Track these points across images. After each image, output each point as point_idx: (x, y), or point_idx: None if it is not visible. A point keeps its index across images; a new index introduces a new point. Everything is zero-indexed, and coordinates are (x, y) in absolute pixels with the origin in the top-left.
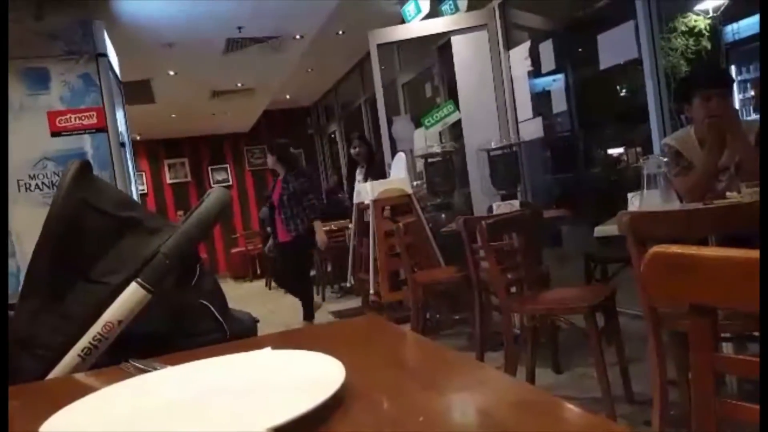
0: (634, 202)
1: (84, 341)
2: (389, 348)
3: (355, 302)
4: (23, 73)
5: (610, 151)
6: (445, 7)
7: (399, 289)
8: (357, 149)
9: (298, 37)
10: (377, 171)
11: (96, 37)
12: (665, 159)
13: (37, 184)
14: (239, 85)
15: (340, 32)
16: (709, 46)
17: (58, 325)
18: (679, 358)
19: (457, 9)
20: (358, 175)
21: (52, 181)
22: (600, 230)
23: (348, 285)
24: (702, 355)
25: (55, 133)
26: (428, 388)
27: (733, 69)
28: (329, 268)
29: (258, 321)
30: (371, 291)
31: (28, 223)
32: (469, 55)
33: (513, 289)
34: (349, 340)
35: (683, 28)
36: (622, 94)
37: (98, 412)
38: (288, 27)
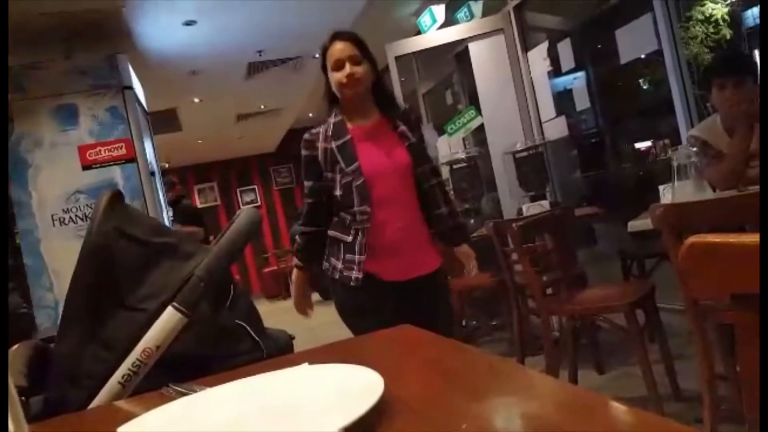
0: (666, 195)
1: (123, 368)
2: (427, 356)
3: None
4: (54, 111)
5: (638, 145)
6: (460, 15)
7: None
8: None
9: (317, 55)
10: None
11: (121, 70)
12: (694, 149)
13: (70, 218)
14: (263, 107)
15: None
16: (728, 34)
17: (100, 353)
18: (725, 352)
19: (472, 16)
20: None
21: (85, 214)
22: (634, 225)
23: None
24: (750, 347)
25: (86, 167)
26: (470, 395)
27: (756, 54)
28: None
29: (293, 338)
30: None
31: (63, 257)
32: (487, 59)
33: (549, 291)
34: (385, 350)
35: (700, 17)
36: (645, 87)
37: None
38: (306, 46)
